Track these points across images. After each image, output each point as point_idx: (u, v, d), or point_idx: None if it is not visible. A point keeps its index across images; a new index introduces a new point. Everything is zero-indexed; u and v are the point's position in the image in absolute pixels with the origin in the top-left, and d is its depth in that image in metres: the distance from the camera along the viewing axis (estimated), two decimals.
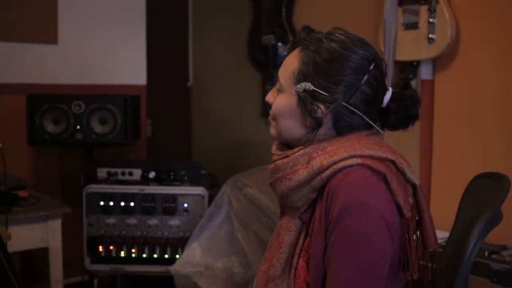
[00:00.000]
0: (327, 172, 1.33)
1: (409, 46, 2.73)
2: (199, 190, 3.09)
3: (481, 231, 1.40)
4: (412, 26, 2.70)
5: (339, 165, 1.32)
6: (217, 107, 4.01)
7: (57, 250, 2.89)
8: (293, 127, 1.42)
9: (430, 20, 2.63)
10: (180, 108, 4.30)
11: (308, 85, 1.36)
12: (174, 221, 3.08)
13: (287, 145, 1.48)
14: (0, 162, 2.73)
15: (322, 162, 1.34)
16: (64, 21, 3.73)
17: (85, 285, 3.44)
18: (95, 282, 3.27)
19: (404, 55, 2.76)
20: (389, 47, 2.79)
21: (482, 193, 1.62)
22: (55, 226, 2.89)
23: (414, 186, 1.39)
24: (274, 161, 1.45)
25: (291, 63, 1.42)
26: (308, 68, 1.37)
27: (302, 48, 1.41)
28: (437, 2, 2.60)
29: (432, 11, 2.62)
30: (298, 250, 1.44)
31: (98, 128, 3.31)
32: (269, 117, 1.49)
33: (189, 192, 3.09)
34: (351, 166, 1.32)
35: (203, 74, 4.22)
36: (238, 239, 2.52)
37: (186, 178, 3.17)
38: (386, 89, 1.42)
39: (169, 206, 3.08)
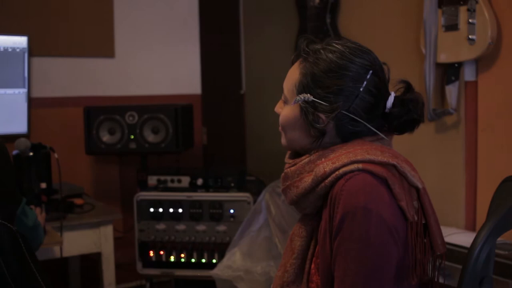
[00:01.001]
0: (330, 179, 1.35)
1: (450, 48, 2.69)
2: (245, 196, 3.15)
3: (488, 233, 1.38)
4: (452, 27, 2.66)
5: (341, 171, 1.34)
6: (269, 113, 4.05)
7: (109, 255, 3.02)
8: (299, 137, 1.46)
9: (470, 20, 2.58)
10: (234, 116, 4.38)
11: (308, 96, 1.40)
12: (221, 227, 3.16)
13: (299, 153, 1.52)
14: (57, 172, 2.90)
15: (325, 169, 1.36)
16: (120, 35, 3.89)
17: None
18: (147, 286, 3.39)
19: (445, 57, 2.73)
20: (430, 49, 2.75)
21: (504, 196, 1.60)
22: (107, 232, 3.02)
23: (418, 190, 1.40)
24: (286, 169, 1.49)
25: (292, 75, 1.46)
26: (307, 80, 1.41)
27: (302, 60, 1.44)
28: (477, 2, 2.55)
29: (471, 12, 2.58)
30: (310, 256, 1.48)
31: (151, 137, 3.43)
32: (279, 127, 1.53)
33: (235, 198, 3.16)
34: (352, 171, 1.34)
35: (255, 81, 4.29)
36: (276, 244, 2.56)
37: (232, 184, 3.24)
38: (388, 94, 1.43)
39: (216, 212, 3.15)
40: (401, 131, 1.47)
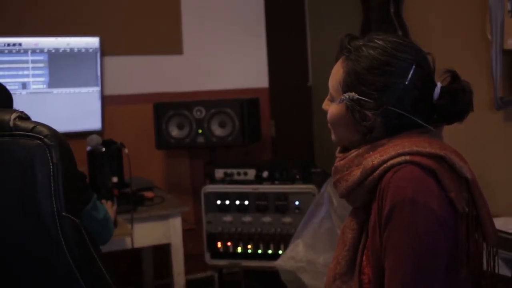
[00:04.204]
0: (378, 171, 1.37)
1: None
2: (310, 188, 3.18)
3: None
4: None
5: (389, 163, 1.35)
6: None
7: (178, 246, 3.12)
8: (347, 133, 1.48)
9: None
10: (302, 108, 4.40)
11: (353, 95, 1.41)
12: (287, 219, 3.20)
13: (349, 147, 1.54)
14: (128, 166, 3.02)
15: (373, 162, 1.38)
16: (188, 32, 3.99)
17: (212, 279, 3.67)
18: (215, 276, 3.47)
19: None
20: (496, 36, 2.69)
21: None
22: (176, 224, 3.12)
23: (467, 181, 1.38)
24: (335, 163, 1.52)
25: (336, 73, 1.47)
26: (351, 78, 1.41)
27: (345, 58, 1.45)
28: None
29: None
30: (361, 248, 1.48)
31: (218, 131, 3.52)
32: (328, 124, 1.55)
33: (299, 191, 3.19)
34: (399, 164, 1.34)
35: (321, 73, 4.28)
36: (338, 235, 2.56)
37: (297, 176, 3.27)
38: (435, 85, 1.43)
39: (281, 204, 3.20)
40: (450, 121, 1.46)
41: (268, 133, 4.19)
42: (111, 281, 1.53)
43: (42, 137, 1.46)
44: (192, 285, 3.68)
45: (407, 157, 1.34)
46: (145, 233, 3.04)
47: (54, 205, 1.45)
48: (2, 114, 1.54)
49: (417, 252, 1.30)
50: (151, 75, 3.91)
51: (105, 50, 3.69)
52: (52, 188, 1.40)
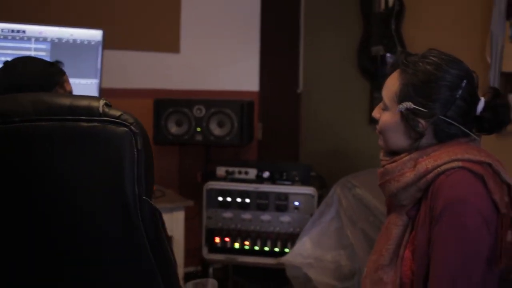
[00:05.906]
0: (432, 174, 1.55)
1: None
2: (310, 190, 3.33)
3: None
4: None
5: (442, 168, 1.54)
6: (325, 113, 4.21)
7: (179, 239, 3.21)
8: (398, 139, 1.66)
9: None
10: (290, 114, 4.54)
11: (409, 105, 1.59)
12: (285, 218, 3.33)
13: (394, 152, 1.70)
14: None
15: (427, 166, 1.56)
16: (186, 32, 4.08)
17: (200, 273, 3.76)
18: (210, 270, 3.57)
19: (511, 67, 2.87)
20: (496, 59, 2.90)
21: None
22: (179, 217, 3.21)
23: (508, 186, 1.57)
24: (383, 165, 1.68)
25: (392, 84, 1.64)
26: (408, 89, 1.60)
27: (401, 71, 1.63)
28: None
29: None
30: (404, 242, 1.66)
31: (216, 130, 3.62)
32: (377, 130, 1.71)
33: (300, 192, 3.34)
34: (452, 168, 1.53)
35: (312, 81, 4.44)
36: (347, 235, 2.72)
37: (297, 178, 3.41)
38: (479, 100, 1.62)
39: (281, 203, 3.33)
40: (490, 132, 1.66)
41: (256, 135, 4.31)
42: (174, 260, 1.64)
43: (129, 124, 1.53)
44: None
45: (459, 163, 1.53)
46: None
47: (136, 189, 1.53)
48: (91, 100, 1.60)
49: (465, 246, 1.48)
50: (148, 71, 3.98)
51: (106, 43, 3.72)
52: (136, 173, 1.49)
